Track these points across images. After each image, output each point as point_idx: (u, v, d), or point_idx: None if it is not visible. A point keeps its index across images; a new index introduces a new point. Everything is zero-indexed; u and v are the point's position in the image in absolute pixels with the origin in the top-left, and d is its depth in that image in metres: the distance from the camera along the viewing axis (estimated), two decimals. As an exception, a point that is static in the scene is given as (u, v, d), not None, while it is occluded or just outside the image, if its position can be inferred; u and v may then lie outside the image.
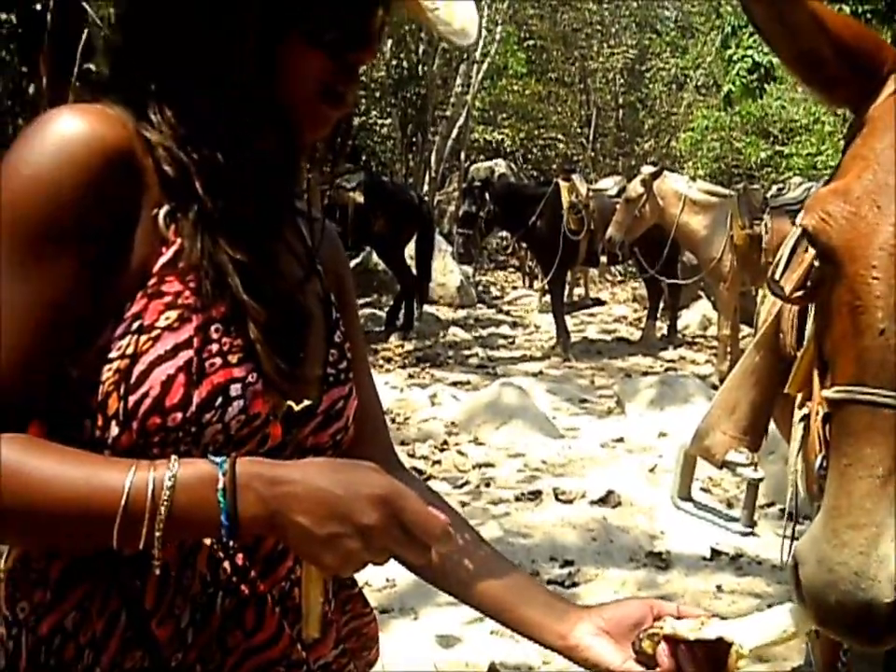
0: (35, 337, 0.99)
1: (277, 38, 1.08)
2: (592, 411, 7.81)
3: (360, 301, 12.21)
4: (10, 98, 7.67)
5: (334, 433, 1.20)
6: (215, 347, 1.05)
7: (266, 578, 1.12)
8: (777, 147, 17.73)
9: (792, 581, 1.25)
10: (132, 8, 1.15)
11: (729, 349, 8.61)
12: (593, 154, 22.46)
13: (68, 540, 1.01)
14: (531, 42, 22.88)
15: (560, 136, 22.95)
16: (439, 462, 6.20)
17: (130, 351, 1.02)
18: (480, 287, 15.38)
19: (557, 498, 5.43)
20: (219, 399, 1.03)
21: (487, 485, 5.73)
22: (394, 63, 17.67)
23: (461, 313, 13.24)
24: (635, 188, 9.10)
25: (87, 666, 1.04)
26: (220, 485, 0.95)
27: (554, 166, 20.74)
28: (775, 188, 8.91)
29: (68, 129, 1.01)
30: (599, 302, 14.55)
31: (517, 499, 5.44)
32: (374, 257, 12.33)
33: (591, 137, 22.68)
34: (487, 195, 10.85)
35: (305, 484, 0.96)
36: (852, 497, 1.17)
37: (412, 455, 6.21)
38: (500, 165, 17.40)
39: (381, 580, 4.14)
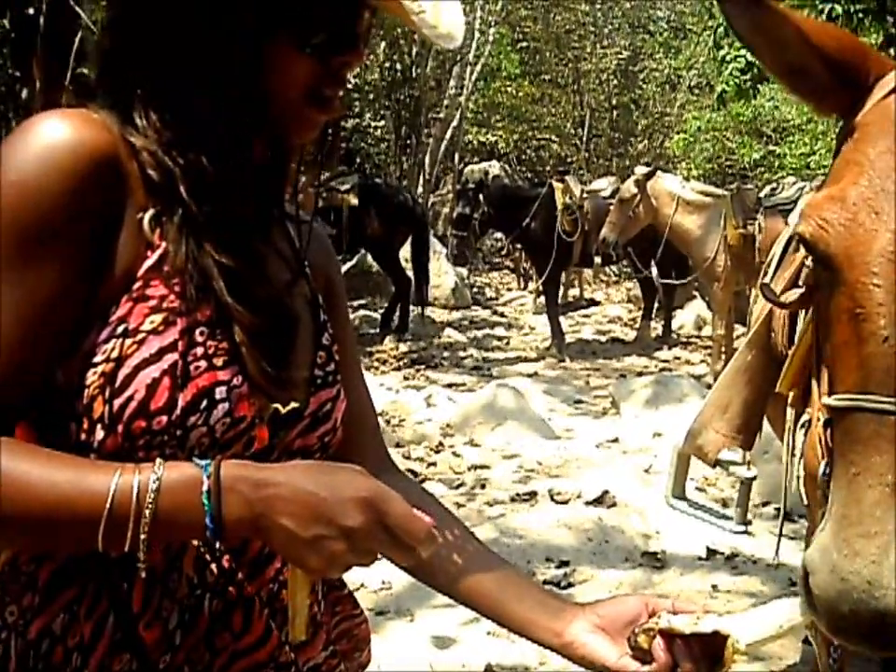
0: (23, 340, 0.99)
1: (264, 42, 1.08)
2: (587, 411, 7.81)
3: (355, 304, 12.23)
4: (3, 102, 7.66)
5: (322, 435, 1.20)
6: (200, 351, 1.05)
7: (254, 580, 1.12)
8: (771, 147, 17.75)
9: (803, 591, 1.25)
10: (120, 12, 1.15)
11: (724, 349, 8.62)
12: (587, 155, 22.45)
13: (54, 544, 1.01)
14: (524, 44, 22.89)
15: (554, 137, 22.96)
16: (434, 464, 6.20)
17: (115, 355, 1.02)
18: (474, 289, 15.38)
19: (552, 499, 5.42)
20: (204, 403, 1.04)
21: (483, 487, 5.73)
22: (387, 65, 17.67)
23: (456, 314, 13.23)
24: (628, 188, 9.12)
25: (75, 669, 1.04)
26: (205, 488, 0.95)
27: (548, 167, 20.76)
28: (768, 188, 8.93)
29: (53, 134, 1.01)
30: (594, 303, 14.57)
31: (512, 500, 5.44)
32: (369, 259, 12.33)
33: (585, 138, 22.68)
34: (481, 197, 10.87)
35: (290, 487, 0.97)
36: (862, 506, 1.18)
37: (407, 457, 6.20)
38: (494, 167, 17.40)
39: (377, 581, 4.13)
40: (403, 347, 10.27)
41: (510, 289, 16.43)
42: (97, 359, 1.02)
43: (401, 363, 9.62)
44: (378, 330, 10.88)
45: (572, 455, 6.38)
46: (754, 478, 4.46)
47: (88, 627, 1.05)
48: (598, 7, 23.21)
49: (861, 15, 8.27)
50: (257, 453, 1.09)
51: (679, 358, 10.24)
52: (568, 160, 21.84)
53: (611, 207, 9.34)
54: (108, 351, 1.02)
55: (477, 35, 16.93)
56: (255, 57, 1.08)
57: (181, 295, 1.05)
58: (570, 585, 4.36)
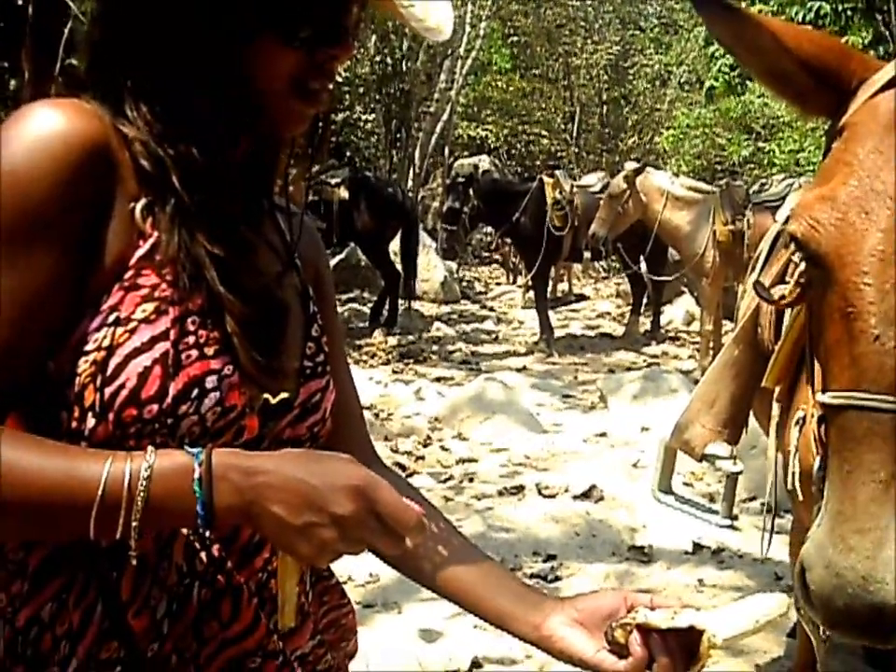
0: (12, 325, 0.99)
1: (252, 35, 1.09)
2: (575, 406, 7.83)
3: (344, 297, 12.23)
4: (-8, 93, 7.64)
5: (311, 426, 1.21)
6: (191, 339, 1.05)
7: (242, 569, 1.12)
8: (760, 144, 17.76)
9: (799, 586, 1.28)
10: (108, 6, 1.15)
11: (712, 344, 8.64)
12: (576, 150, 22.46)
13: (46, 531, 1.01)
14: (515, 38, 22.91)
15: (544, 132, 22.95)
16: (422, 457, 6.21)
17: (106, 343, 1.02)
18: (464, 283, 15.40)
19: (540, 493, 5.44)
20: (195, 391, 1.04)
21: (470, 480, 5.74)
22: (378, 59, 17.65)
23: (445, 308, 13.25)
24: (618, 184, 9.13)
25: (63, 657, 1.04)
26: (196, 476, 0.96)
27: (538, 162, 20.74)
28: (757, 184, 8.96)
29: (45, 124, 1.01)
30: (583, 298, 14.60)
31: (500, 494, 5.45)
32: (358, 252, 12.33)
33: (574, 133, 22.69)
34: (471, 191, 10.88)
35: (281, 475, 0.97)
36: (856, 503, 1.20)
37: (395, 451, 6.21)
38: (484, 161, 17.38)
39: (364, 574, 4.14)
40: (392, 341, 10.28)
41: (499, 284, 16.46)
42: (88, 348, 1.02)
43: (390, 357, 9.63)
44: (367, 324, 10.88)
45: (560, 450, 6.40)
46: (740, 472, 4.48)
47: (76, 615, 1.05)
48: (589, 2, 23.26)
49: (849, 13, 8.31)
50: (247, 442, 1.09)
51: (667, 353, 10.27)
52: (558, 154, 21.83)
53: (601, 203, 9.35)
54: (100, 340, 1.02)
55: (468, 29, 16.94)
56: (241, 51, 1.09)
57: (173, 284, 1.05)
58: (557, 579, 4.37)
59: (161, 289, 1.05)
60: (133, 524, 0.94)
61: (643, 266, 10.65)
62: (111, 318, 1.03)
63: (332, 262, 11.57)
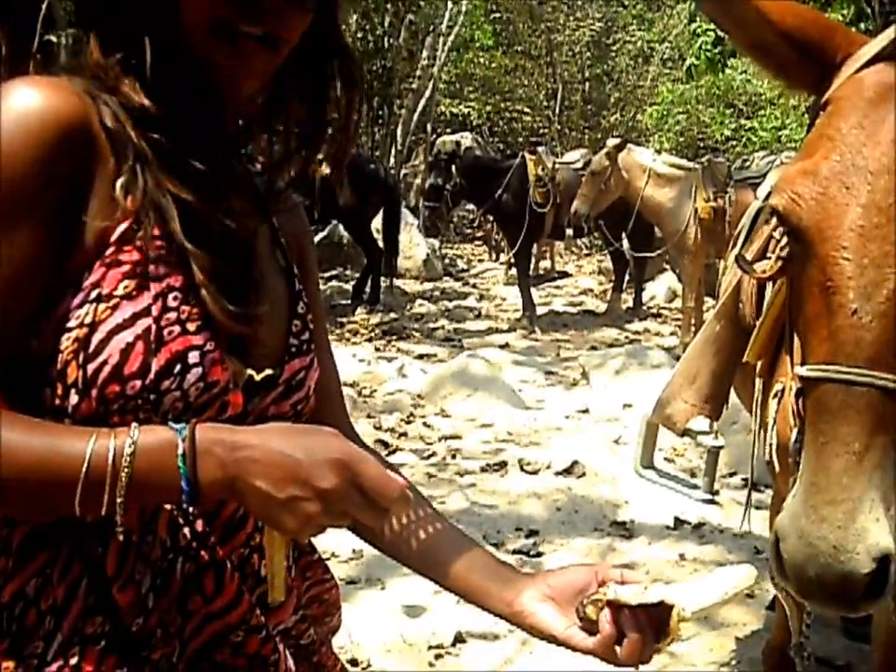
0: None
1: None
2: (557, 382, 7.85)
3: (326, 275, 12.19)
4: (-31, 70, 7.55)
5: (295, 403, 1.21)
6: (173, 315, 1.05)
7: (225, 544, 1.13)
8: (742, 121, 17.78)
9: (773, 556, 1.30)
10: None
11: (693, 321, 8.69)
12: (559, 127, 22.39)
13: (31, 509, 1.01)
14: (497, 15, 22.76)
15: (526, 109, 22.88)
16: (405, 434, 6.22)
17: (88, 320, 1.02)
18: (446, 261, 15.37)
19: (523, 469, 5.47)
20: (178, 367, 1.04)
21: (453, 457, 5.76)
22: (359, 35, 17.54)
23: (427, 286, 13.23)
24: (600, 161, 9.11)
25: (48, 632, 1.05)
26: (180, 451, 0.96)
27: (521, 139, 20.70)
28: (739, 161, 8.97)
29: (22, 102, 1.01)
30: (565, 275, 14.60)
31: (483, 470, 5.47)
32: (340, 229, 12.29)
33: (557, 110, 22.62)
34: (453, 168, 10.83)
35: (265, 449, 0.98)
36: (830, 474, 1.22)
37: (378, 428, 6.22)
38: (467, 138, 17.31)
39: (347, 550, 4.16)
40: (375, 318, 10.27)
41: (481, 261, 16.44)
42: (71, 325, 1.02)
43: (373, 334, 9.62)
44: (350, 301, 10.86)
45: (542, 426, 6.42)
46: (721, 447, 4.51)
47: (61, 590, 1.05)
48: (572, -22, 23.11)
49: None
50: (231, 419, 1.09)
51: (649, 330, 10.30)
52: (541, 131, 21.75)
53: (583, 179, 9.35)
54: (82, 316, 1.02)
55: (450, 5, 16.84)
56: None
57: (154, 260, 1.05)
58: (540, 554, 4.40)
59: (142, 265, 1.05)
60: (118, 500, 0.95)
61: (625, 243, 10.67)
62: (93, 295, 1.03)
63: (314, 240, 11.52)
